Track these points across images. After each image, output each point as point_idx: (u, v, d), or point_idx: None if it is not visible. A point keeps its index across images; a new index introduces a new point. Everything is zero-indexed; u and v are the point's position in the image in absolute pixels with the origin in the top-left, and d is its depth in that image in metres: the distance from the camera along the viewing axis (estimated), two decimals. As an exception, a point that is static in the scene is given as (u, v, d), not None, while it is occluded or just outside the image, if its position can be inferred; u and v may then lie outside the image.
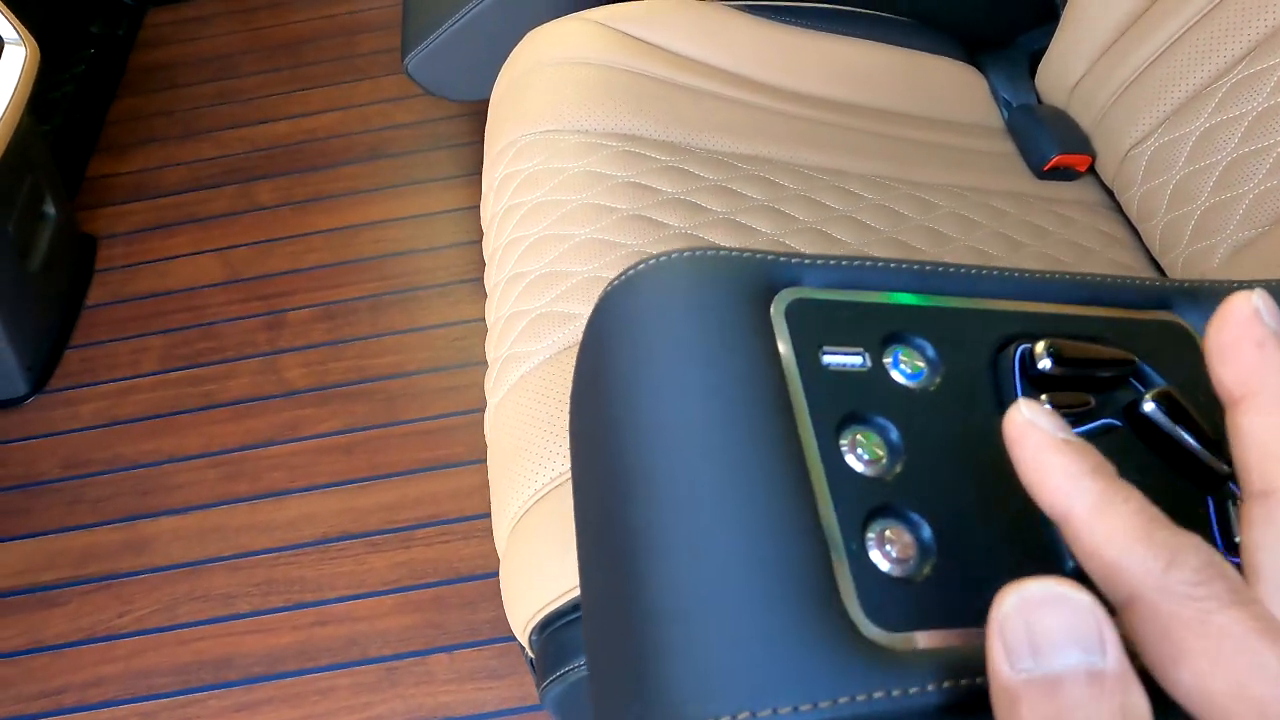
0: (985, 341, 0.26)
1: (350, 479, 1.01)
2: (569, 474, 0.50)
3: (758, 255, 0.25)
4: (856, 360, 0.24)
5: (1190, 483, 0.24)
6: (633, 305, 0.24)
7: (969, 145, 0.81)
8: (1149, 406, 0.24)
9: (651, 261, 0.25)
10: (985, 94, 0.86)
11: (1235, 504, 0.24)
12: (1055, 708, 0.15)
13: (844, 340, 0.24)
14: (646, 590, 0.20)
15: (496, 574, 0.58)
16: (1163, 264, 0.73)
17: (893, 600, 0.20)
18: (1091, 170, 0.80)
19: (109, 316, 1.19)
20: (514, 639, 0.62)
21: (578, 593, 0.42)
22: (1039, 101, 0.85)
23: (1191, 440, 0.24)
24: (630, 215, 0.65)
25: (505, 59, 0.83)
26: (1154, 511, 0.18)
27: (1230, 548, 0.24)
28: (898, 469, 0.22)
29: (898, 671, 0.19)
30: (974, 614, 0.20)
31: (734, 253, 0.25)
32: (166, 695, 0.88)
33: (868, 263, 0.26)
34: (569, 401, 0.28)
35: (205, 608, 0.93)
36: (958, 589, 0.21)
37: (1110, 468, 0.18)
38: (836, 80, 0.81)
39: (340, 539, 0.97)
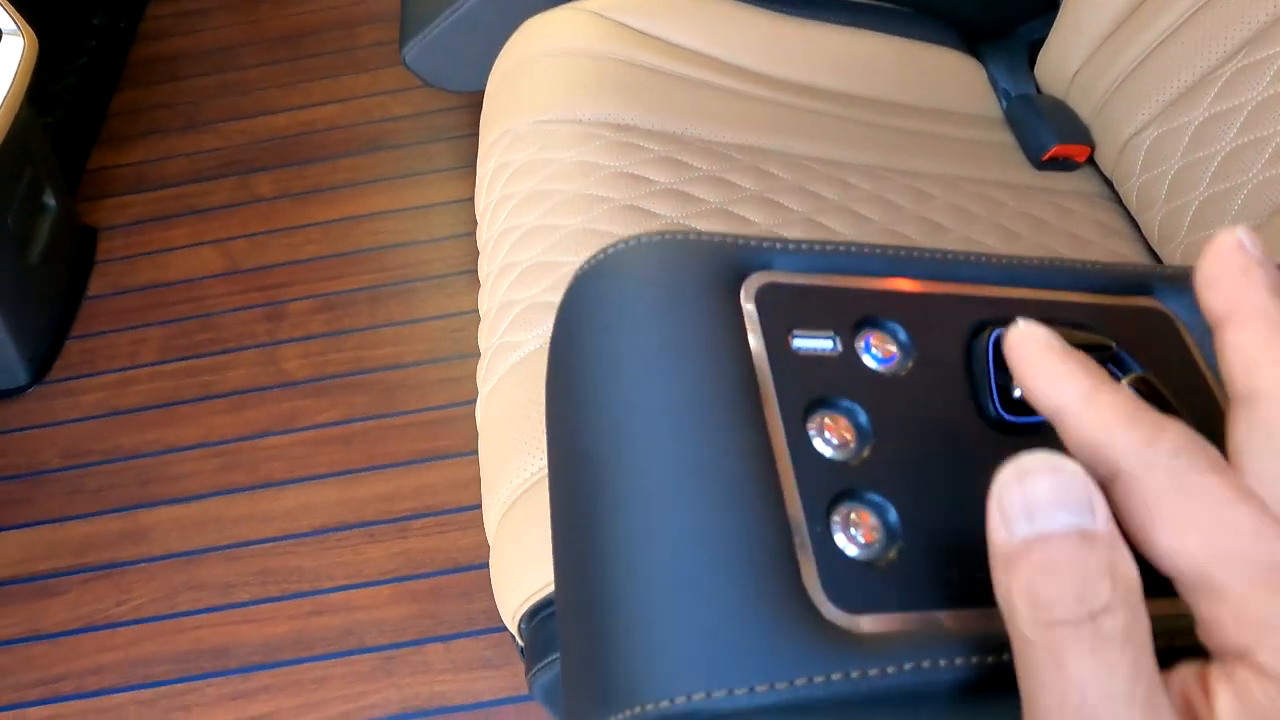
0: (959, 326, 0.25)
1: (348, 469, 1.01)
2: (557, 463, 0.50)
3: (728, 239, 0.25)
4: (827, 344, 0.24)
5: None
6: (602, 288, 0.24)
7: (967, 136, 0.81)
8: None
9: (620, 246, 0.25)
10: (984, 84, 0.86)
11: None
12: (1047, 561, 0.16)
13: (814, 324, 0.24)
14: (605, 570, 0.20)
15: (488, 563, 0.58)
16: (1161, 255, 0.72)
17: (856, 583, 0.20)
18: (1090, 161, 0.80)
19: (109, 307, 1.20)
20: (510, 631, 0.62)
21: (562, 581, 0.42)
22: (1038, 91, 0.85)
23: None
24: (623, 205, 0.65)
25: (502, 49, 0.83)
26: (1140, 401, 0.19)
27: None
28: (865, 453, 0.22)
29: (858, 654, 0.19)
30: (939, 598, 0.20)
31: (704, 236, 0.25)
32: (165, 683, 0.89)
33: (840, 247, 0.26)
34: None
35: (203, 597, 0.94)
36: (923, 573, 0.20)
37: (1102, 370, 0.19)
38: (833, 70, 0.80)
39: (338, 529, 0.97)
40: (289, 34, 1.52)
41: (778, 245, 0.25)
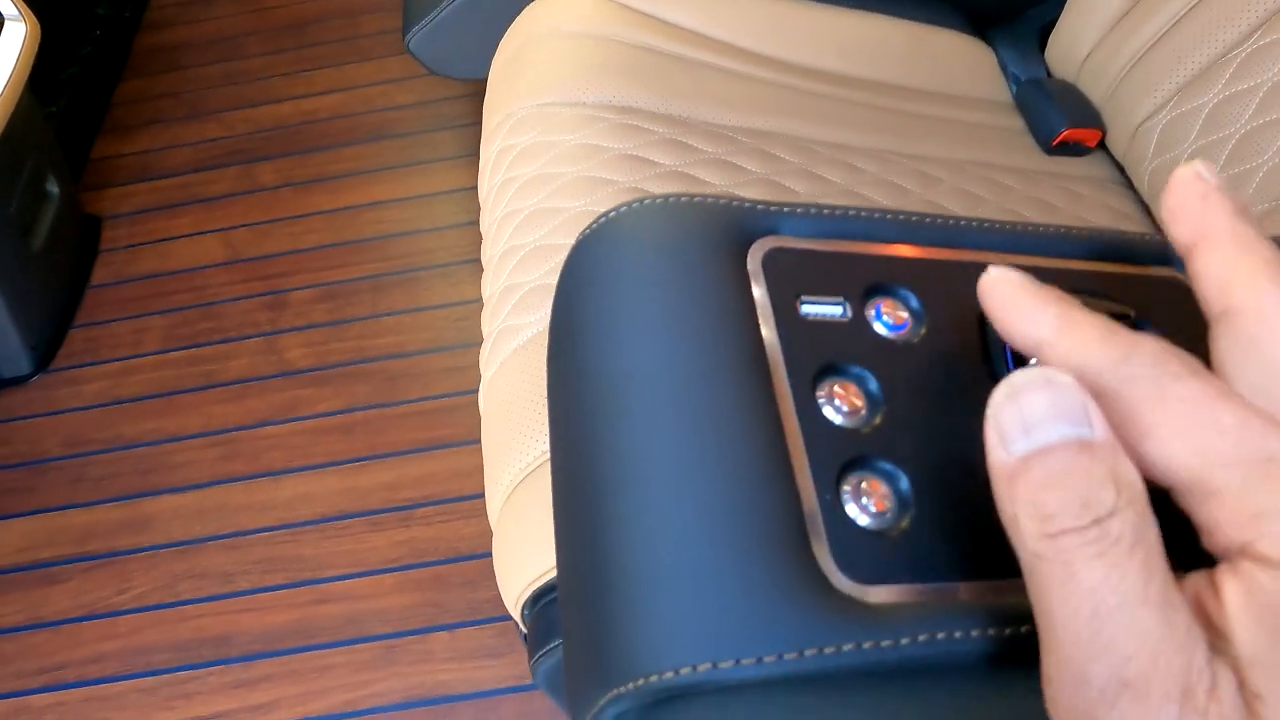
0: (973, 294, 0.24)
1: (351, 458, 1.01)
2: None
3: (733, 203, 0.24)
4: (836, 310, 0.23)
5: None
6: (604, 252, 0.24)
7: (975, 120, 0.80)
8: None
9: (623, 209, 0.24)
10: (993, 68, 0.85)
11: None
12: (1049, 475, 0.16)
13: (823, 290, 0.23)
14: (609, 540, 0.20)
15: (490, 550, 0.57)
16: (1173, 241, 0.71)
17: (867, 553, 0.19)
18: (1102, 145, 0.78)
19: (112, 296, 1.19)
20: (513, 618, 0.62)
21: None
22: (1048, 75, 0.83)
23: None
24: (626, 188, 0.64)
25: (506, 33, 0.82)
26: (1113, 323, 0.19)
27: None
28: (876, 421, 0.21)
29: (868, 624, 0.18)
30: (950, 568, 0.20)
31: (709, 199, 0.24)
32: (166, 671, 0.89)
33: (850, 211, 0.25)
34: None
35: (205, 585, 0.93)
36: (934, 543, 0.20)
37: (1074, 300, 0.20)
38: (840, 53, 0.79)
39: (340, 518, 0.97)
40: (292, 23, 1.51)
41: (785, 209, 0.25)
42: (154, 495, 1.00)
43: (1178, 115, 0.70)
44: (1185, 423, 0.17)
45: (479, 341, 0.65)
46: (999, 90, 0.83)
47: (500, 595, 0.55)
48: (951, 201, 0.71)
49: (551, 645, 0.51)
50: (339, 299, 1.15)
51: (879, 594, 0.19)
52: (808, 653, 0.17)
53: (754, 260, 0.23)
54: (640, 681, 0.18)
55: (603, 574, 0.19)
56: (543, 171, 0.66)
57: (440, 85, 1.35)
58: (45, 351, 1.13)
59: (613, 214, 0.24)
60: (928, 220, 0.25)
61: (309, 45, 1.47)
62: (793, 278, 0.23)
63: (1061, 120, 0.76)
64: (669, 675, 0.17)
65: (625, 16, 0.75)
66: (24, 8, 1.01)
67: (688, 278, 0.23)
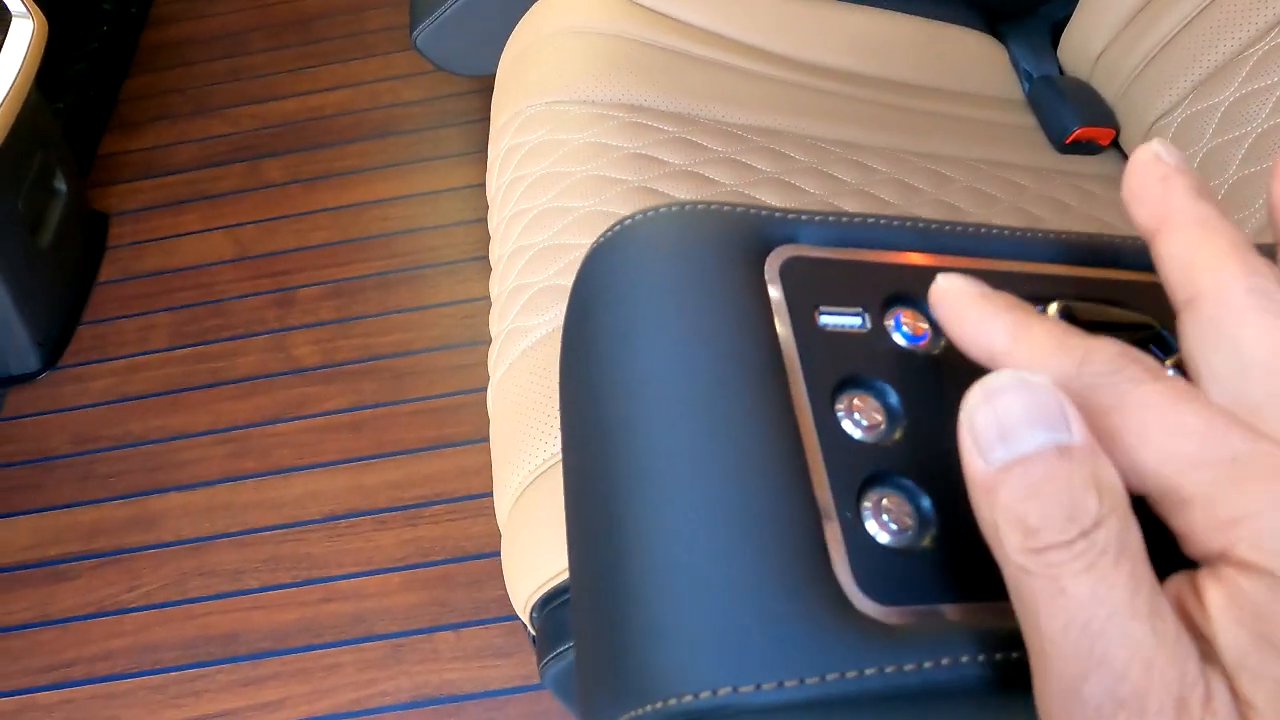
0: None
1: (358, 457, 1.01)
2: (569, 449, 0.49)
3: (751, 210, 0.24)
4: (855, 321, 0.22)
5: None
6: (618, 261, 0.23)
7: (988, 118, 0.79)
8: (1172, 372, 0.23)
9: (639, 216, 0.23)
10: (1005, 65, 0.84)
11: None
12: (1029, 485, 0.16)
13: (842, 300, 0.23)
14: (624, 557, 0.19)
15: (499, 551, 0.57)
16: (1187, 240, 0.70)
17: (888, 573, 0.19)
18: (1115, 144, 0.78)
19: (120, 293, 1.19)
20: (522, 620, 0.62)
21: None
22: (1061, 72, 0.83)
23: None
24: (636, 187, 0.63)
25: (514, 29, 0.81)
26: (1068, 326, 0.18)
27: None
28: (897, 435, 0.21)
29: (891, 647, 0.18)
30: (973, 588, 0.19)
31: (725, 207, 0.23)
32: (174, 669, 0.89)
33: (869, 219, 0.24)
34: None
35: (213, 583, 0.94)
36: (957, 562, 0.19)
37: (1027, 305, 0.19)
38: (851, 51, 0.79)
39: (348, 516, 0.97)
40: (298, 19, 1.51)
41: (803, 217, 0.24)
42: (162, 493, 1.01)
43: (1193, 113, 0.69)
44: (1148, 429, 0.16)
45: (486, 339, 0.65)
46: (1011, 88, 0.83)
47: (507, 595, 0.55)
48: (964, 200, 0.70)
49: (561, 649, 0.50)
50: (346, 296, 1.15)
51: (900, 615, 0.18)
52: (829, 677, 0.17)
53: (771, 269, 0.23)
54: (659, 704, 0.17)
55: (620, 592, 0.19)
56: (552, 170, 0.66)
57: (446, 81, 1.34)
58: (53, 348, 1.13)
59: (629, 221, 0.24)
60: (947, 228, 0.25)
61: (314, 41, 1.47)
62: (811, 288, 0.23)
63: (1074, 118, 0.76)
64: (688, 699, 0.17)
65: (634, 13, 0.75)
66: (31, 5, 1.00)
67: (705, 287, 0.22)
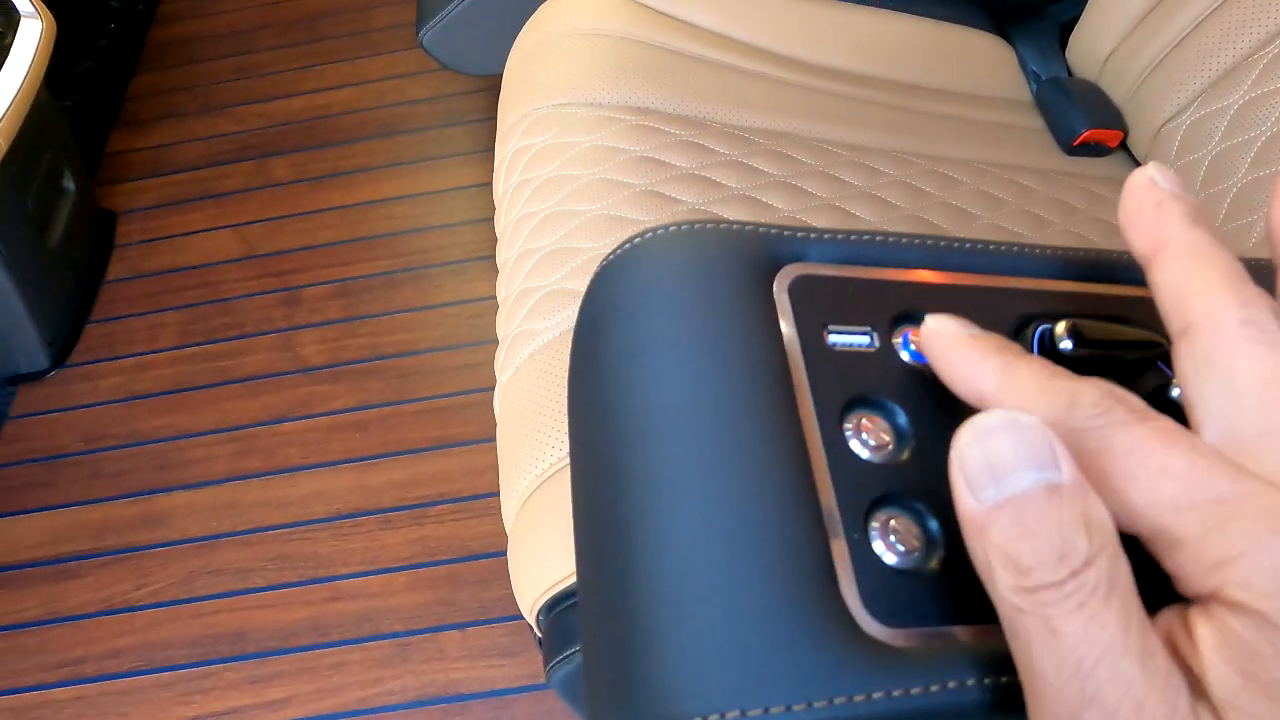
0: (1003, 321, 0.24)
1: (364, 456, 1.01)
2: (575, 454, 0.49)
3: (759, 229, 0.24)
4: (863, 340, 0.23)
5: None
6: (627, 281, 0.23)
7: (995, 120, 0.79)
8: (1177, 391, 0.23)
9: (648, 235, 0.24)
10: (1013, 66, 0.83)
11: None
12: (1020, 526, 0.16)
13: (850, 319, 0.23)
14: (634, 577, 0.19)
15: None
16: (1195, 243, 0.70)
17: (895, 594, 0.19)
18: (1123, 146, 0.77)
19: (127, 292, 1.20)
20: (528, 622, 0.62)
21: (581, 575, 0.42)
22: (1069, 74, 0.82)
23: None
24: (642, 191, 0.63)
25: (519, 31, 0.81)
26: (1055, 368, 0.18)
27: None
28: (904, 455, 0.21)
29: (899, 670, 0.18)
30: (980, 611, 0.19)
31: (734, 226, 0.24)
32: (183, 667, 0.89)
33: (877, 237, 0.24)
34: None
35: (220, 582, 0.94)
36: (963, 584, 0.19)
37: (1014, 345, 0.19)
38: (858, 53, 0.78)
39: (354, 515, 0.97)
40: (304, 16, 1.51)
41: (811, 235, 0.24)
42: (169, 491, 1.01)
43: (1202, 116, 0.68)
44: (1135, 472, 0.16)
45: (491, 339, 0.65)
46: (1019, 89, 0.82)
47: (513, 594, 0.55)
48: (971, 203, 0.70)
49: (568, 652, 0.51)
50: (352, 295, 1.15)
51: (907, 637, 0.18)
52: (837, 701, 0.17)
53: (780, 288, 0.23)
54: None
55: (629, 615, 0.19)
56: (559, 173, 0.66)
57: (453, 80, 1.35)
58: (62, 347, 1.14)
59: (638, 240, 0.24)
60: (956, 245, 0.25)
61: (320, 39, 1.47)
62: (819, 306, 0.23)
63: (1083, 120, 0.75)
64: None
65: (641, 15, 0.74)
66: (40, 5, 1.01)
67: (713, 306, 0.22)
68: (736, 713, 0.17)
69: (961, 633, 0.19)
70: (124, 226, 1.27)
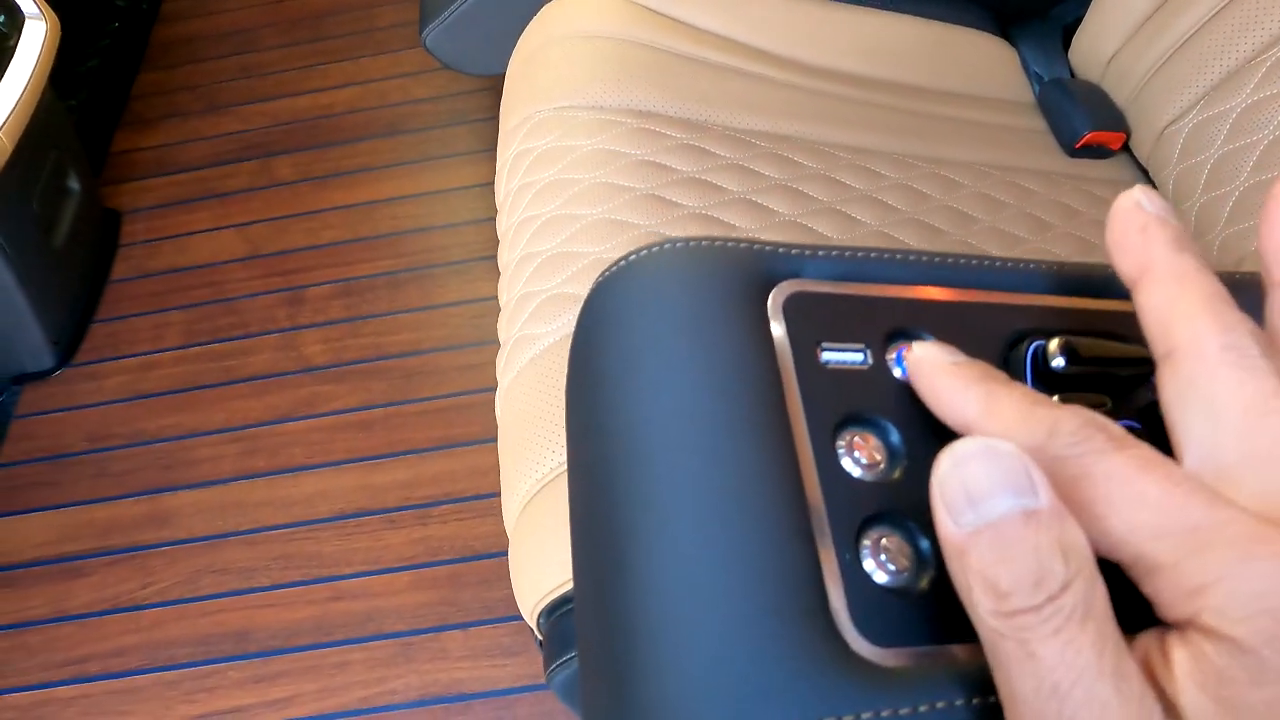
0: (996, 337, 0.24)
1: (367, 456, 1.01)
2: (575, 459, 0.49)
3: (755, 246, 0.24)
4: (857, 357, 0.23)
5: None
6: (623, 298, 0.23)
7: (997, 121, 0.79)
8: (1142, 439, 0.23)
9: (644, 252, 0.24)
10: (1016, 68, 0.83)
11: None
12: (998, 551, 0.16)
13: (844, 336, 0.23)
14: (627, 596, 0.20)
15: (507, 555, 0.57)
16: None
17: (886, 613, 0.19)
18: (1126, 148, 0.77)
19: (132, 291, 1.20)
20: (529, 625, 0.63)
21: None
22: (1072, 75, 0.82)
23: None
24: (643, 194, 0.64)
25: (522, 31, 0.81)
26: (1037, 395, 0.19)
27: None
28: (896, 474, 0.21)
29: (887, 691, 0.18)
30: (970, 630, 0.19)
31: (730, 243, 0.24)
32: (187, 665, 0.90)
33: (872, 254, 0.25)
34: None
35: (225, 580, 0.95)
36: (954, 603, 0.20)
37: (998, 373, 0.20)
38: (860, 54, 0.78)
39: (357, 515, 0.98)
40: (308, 15, 1.51)
41: (806, 252, 0.24)
42: (174, 490, 1.02)
43: (1204, 119, 0.68)
44: (1113, 500, 0.17)
45: (494, 339, 0.66)
46: (1021, 90, 0.82)
47: (514, 595, 0.56)
48: (972, 206, 0.70)
49: (568, 656, 0.51)
50: (356, 295, 1.16)
51: (897, 657, 0.19)
52: (826, 720, 0.17)
53: (775, 305, 0.23)
54: None
55: (621, 629, 0.20)
56: (560, 177, 0.66)
57: (456, 79, 1.35)
58: (67, 346, 1.15)
59: (633, 257, 0.24)
60: (950, 261, 0.25)
61: (324, 38, 1.47)
62: (814, 323, 0.23)
63: (1085, 122, 0.75)
64: None
65: (643, 17, 0.75)
66: (44, 6, 1.01)
67: (708, 325, 0.22)
68: (726, 732, 0.17)
69: (950, 652, 0.19)
70: (129, 226, 1.27)
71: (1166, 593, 0.16)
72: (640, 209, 0.62)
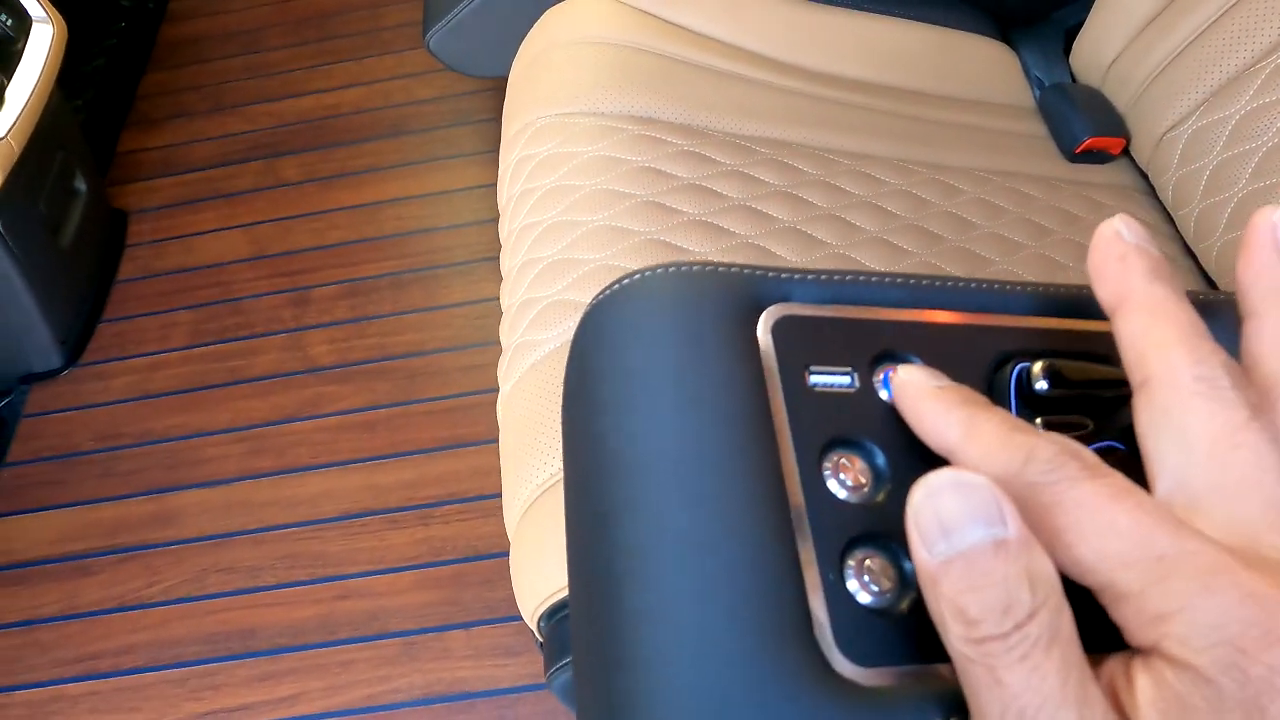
0: (981, 359, 0.25)
1: (372, 456, 1.02)
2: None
3: (745, 270, 0.24)
4: (844, 380, 0.23)
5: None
6: (616, 322, 0.24)
7: (998, 126, 0.79)
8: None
9: (636, 276, 0.24)
10: (1017, 72, 0.84)
11: None
12: (969, 580, 0.17)
13: (831, 359, 0.23)
14: (615, 615, 0.20)
15: (509, 557, 0.58)
16: (1197, 252, 0.70)
17: (869, 634, 0.20)
18: (1126, 153, 0.78)
19: (139, 291, 1.21)
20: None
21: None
22: (1072, 80, 0.82)
23: None
24: (644, 201, 0.64)
25: (526, 34, 0.82)
26: (1016, 421, 0.19)
27: None
28: (880, 496, 0.22)
29: (869, 710, 0.18)
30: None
31: (720, 268, 0.24)
32: (194, 663, 0.91)
33: (860, 277, 0.25)
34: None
35: (231, 579, 0.96)
36: (933, 625, 0.20)
37: (980, 397, 0.20)
38: (861, 59, 0.79)
39: (361, 515, 0.98)
40: (313, 15, 1.52)
41: (796, 276, 0.25)
42: (181, 490, 1.03)
43: (1203, 125, 0.68)
44: (1084, 528, 0.17)
45: (497, 340, 0.66)
46: (1022, 95, 0.82)
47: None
48: (972, 213, 0.70)
49: (568, 659, 0.52)
50: (361, 296, 1.16)
51: (878, 677, 0.19)
52: (808, 739, 0.18)
53: (764, 328, 0.24)
54: None
55: (610, 647, 0.20)
56: (561, 183, 0.66)
57: (460, 80, 1.35)
58: (75, 346, 1.16)
59: (626, 281, 0.24)
60: (938, 284, 0.26)
61: (329, 38, 1.48)
62: (802, 347, 0.23)
63: (1085, 128, 0.76)
64: None
65: (645, 23, 0.75)
66: (50, 8, 1.02)
67: (699, 348, 0.23)
68: (710, 753, 0.18)
69: (932, 672, 0.20)
70: (135, 226, 1.28)
71: (1132, 619, 0.17)
72: (640, 215, 0.63)
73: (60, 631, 0.95)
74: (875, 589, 0.20)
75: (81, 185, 1.18)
